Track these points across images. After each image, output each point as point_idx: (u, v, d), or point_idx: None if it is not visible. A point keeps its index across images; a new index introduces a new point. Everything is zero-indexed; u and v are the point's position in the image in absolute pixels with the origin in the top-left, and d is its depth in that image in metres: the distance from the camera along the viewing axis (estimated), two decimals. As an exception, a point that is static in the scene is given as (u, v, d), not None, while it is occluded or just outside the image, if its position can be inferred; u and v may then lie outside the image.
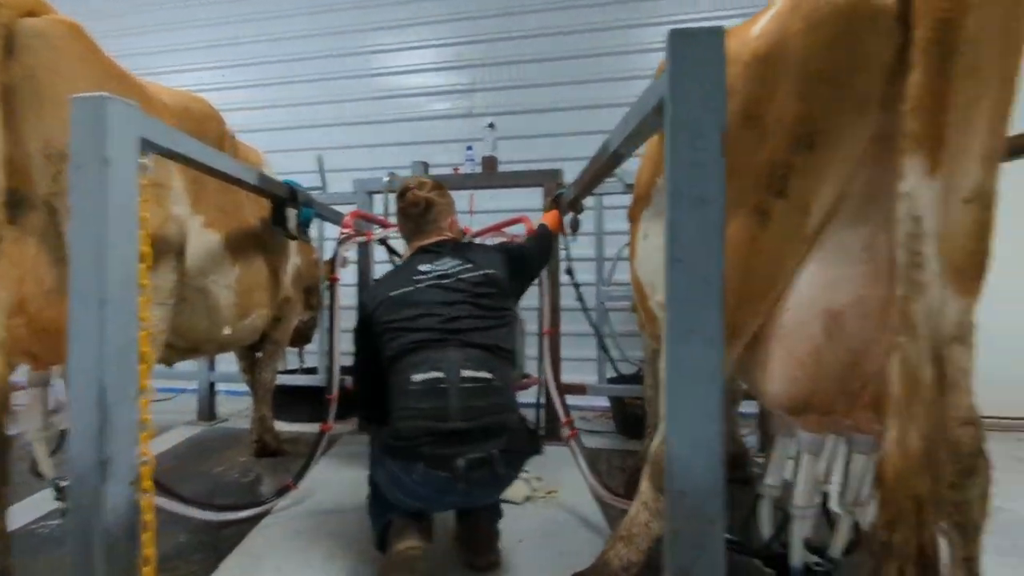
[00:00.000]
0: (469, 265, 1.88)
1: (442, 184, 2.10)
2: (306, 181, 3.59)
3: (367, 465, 1.91)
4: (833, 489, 1.51)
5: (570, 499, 2.46)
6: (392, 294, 1.84)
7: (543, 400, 3.12)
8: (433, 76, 4.57)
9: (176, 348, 2.32)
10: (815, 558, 1.48)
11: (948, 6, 1.02)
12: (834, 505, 1.53)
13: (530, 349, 3.25)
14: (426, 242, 2.01)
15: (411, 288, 1.84)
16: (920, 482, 1.02)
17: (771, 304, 1.32)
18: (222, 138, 2.36)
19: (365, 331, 1.89)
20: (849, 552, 1.49)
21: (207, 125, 2.22)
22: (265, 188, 2.16)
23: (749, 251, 1.30)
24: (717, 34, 1.03)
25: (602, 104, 4.07)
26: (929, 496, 1.02)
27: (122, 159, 1.30)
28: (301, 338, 3.71)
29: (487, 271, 1.88)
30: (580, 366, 3.74)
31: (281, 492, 2.35)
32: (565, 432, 2.42)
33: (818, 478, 1.47)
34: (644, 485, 1.66)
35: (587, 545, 2.05)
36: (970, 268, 1.20)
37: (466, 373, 1.68)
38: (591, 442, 3.27)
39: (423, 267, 1.89)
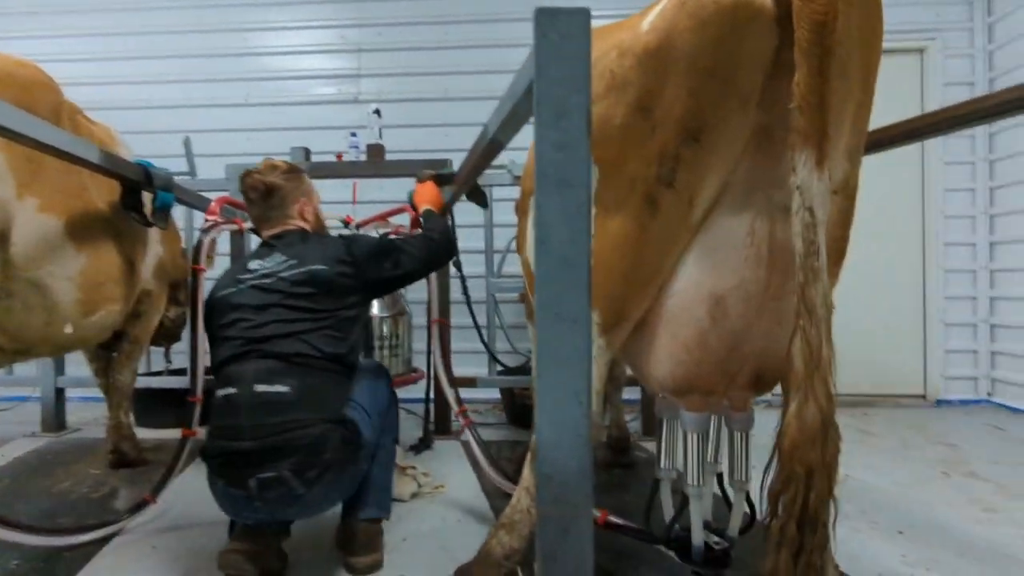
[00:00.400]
0: (294, 262, 1.76)
1: (299, 169, 1.96)
2: (173, 166, 3.29)
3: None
4: (725, 469, 1.58)
5: (458, 494, 2.42)
6: (217, 295, 1.79)
7: (431, 395, 3.08)
8: (316, 59, 4.34)
9: (3, 350, 2.03)
10: (714, 537, 1.54)
11: (822, 9, 1.07)
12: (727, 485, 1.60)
13: (418, 344, 3.17)
14: (270, 232, 1.91)
15: (233, 289, 1.77)
16: (812, 452, 1.09)
17: (656, 291, 1.35)
18: (59, 110, 2.08)
19: (206, 325, 1.85)
20: (745, 531, 1.57)
21: (37, 94, 1.95)
22: (111, 168, 1.93)
23: (639, 240, 1.32)
24: (583, 14, 1.02)
25: (493, 95, 4.04)
26: (818, 464, 1.09)
27: (-96, 122, 1.10)
28: (168, 336, 3.40)
29: (313, 268, 1.74)
30: (471, 359, 3.71)
31: (137, 507, 2.11)
32: (457, 424, 2.37)
33: (707, 458, 1.53)
34: (526, 471, 1.65)
35: (473, 539, 2.01)
36: (833, 253, 1.28)
37: (259, 388, 1.60)
38: (483, 434, 3.25)
39: (253, 264, 1.81)
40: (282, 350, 1.65)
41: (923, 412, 3.88)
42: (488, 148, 1.63)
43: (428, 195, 2.14)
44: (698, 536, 1.50)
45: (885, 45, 1.28)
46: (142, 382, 3.25)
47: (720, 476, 1.63)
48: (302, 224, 1.94)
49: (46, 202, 1.93)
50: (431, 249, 1.91)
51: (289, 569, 1.76)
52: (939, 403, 4.07)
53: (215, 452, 1.60)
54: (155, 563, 1.85)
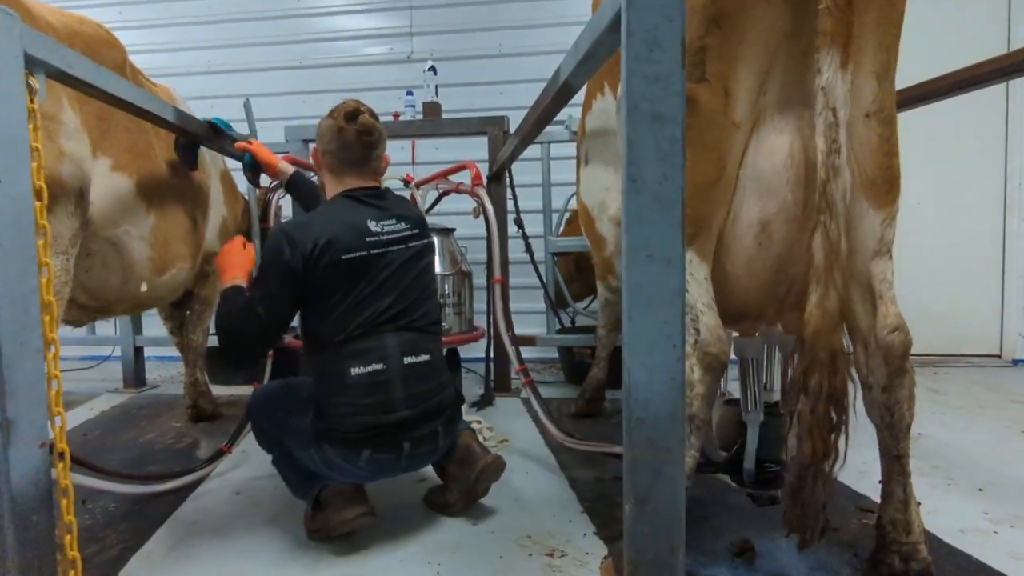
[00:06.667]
0: (416, 231, 1.77)
1: None
2: (235, 129, 3.34)
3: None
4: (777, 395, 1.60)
5: (522, 447, 2.46)
6: (343, 257, 1.61)
7: (492, 353, 3.10)
8: (368, 18, 4.30)
9: (86, 307, 2.12)
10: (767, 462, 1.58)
11: None
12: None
13: (478, 304, 3.18)
14: (363, 185, 1.77)
15: (364, 254, 1.63)
16: (835, 337, 1.20)
17: (726, 195, 1.35)
18: (123, 69, 2.12)
19: (289, 272, 1.59)
20: None
21: (102, 52, 1.97)
22: (183, 126, 1.96)
23: (688, 142, 1.31)
24: (675, -65, 0.96)
25: (548, 51, 3.95)
26: (841, 349, 1.20)
27: (4, 79, 1.13)
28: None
29: (429, 241, 1.82)
30: (528, 319, 3.72)
31: (214, 457, 2.22)
32: (519, 380, 2.39)
33: (763, 383, 1.57)
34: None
35: (541, 488, 2.05)
36: (882, 182, 1.31)
37: (408, 360, 1.66)
38: (541, 392, 3.27)
39: (372, 225, 1.67)
40: (417, 322, 1.71)
41: (998, 371, 3.70)
42: (559, 94, 1.57)
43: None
44: (750, 460, 1.55)
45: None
46: (212, 342, 3.38)
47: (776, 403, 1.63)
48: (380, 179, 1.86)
49: (117, 161, 1.98)
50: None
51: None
52: (1015, 362, 3.86)
53: (361, 428, 1.60)
54: (240, 508, 1.94)
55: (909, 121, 2.86)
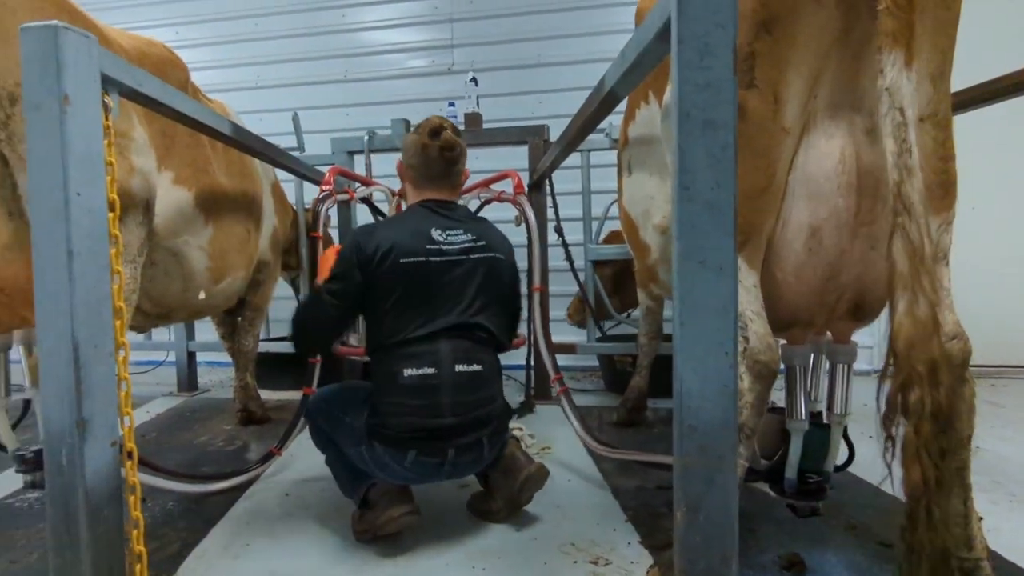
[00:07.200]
0: (482, 243, 1.78)
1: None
2: (282, 143, 3.46)
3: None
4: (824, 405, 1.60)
5: (563, 455, 2.45)
6: (402, 260, 1.68)
7: (532, 361, 3.10)
8: (409, 31, 4.40)
9: (148, 314, 2.23)
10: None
11: None
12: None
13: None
14: (438, 197, 1.84)
15: (422, 259, 1.69)
16: (932, 345, 1.08)
17: (775, 201, 1.34)
18: (185, 87, 2.22)
19: (354, 271, 1.70)
20: (842, 468, 1.57)
21: (167, 72, 2.08)
22: (240, 140, 2.04)
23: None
24: (726, -56, 0.96)
25: (588, 59, 3.97)
26: (941, 358, 1.08)
27: (83, 98, 1.20)
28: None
29: (499, 255, 1.82)
30: (569, 327, 3.72)
31: (265, 459, 2.29)
32: (555, 389, 2.40)
33: (809, 392, 1.55)
34: None
35: (583, 496, 2.05)
36: (937, 186, 1.27)
37: (459, 368, 1.68)
38: (581, 400, 3.25)
39: (436, 233, 1.73)
40: (474, 333, 1.74)
41: (1064, 385, 3.52)
42: (604, 102, 1.59)
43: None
44: (792, 470, 1.52)
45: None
46: (266, 347, 3.48)
47: (821, 414, 1.61)
48: (458, 195, 1.93)
49: (178, 175, 2.08)
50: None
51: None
52: (1082, 376, 3.67)
53: (407, 428, 1.64)
54: (289, 509, 2.00)
55: (965, 123, 2.78)
